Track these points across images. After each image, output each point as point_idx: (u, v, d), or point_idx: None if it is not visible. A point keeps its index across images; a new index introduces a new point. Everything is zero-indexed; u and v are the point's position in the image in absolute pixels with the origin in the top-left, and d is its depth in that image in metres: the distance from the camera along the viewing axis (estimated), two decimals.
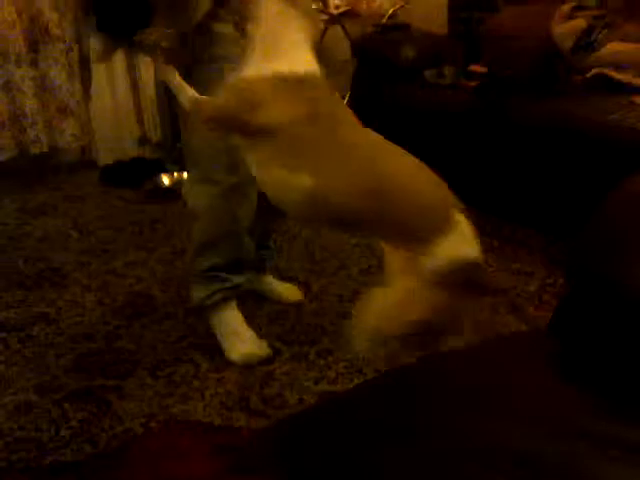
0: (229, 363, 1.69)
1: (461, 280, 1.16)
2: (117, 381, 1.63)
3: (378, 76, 3.01)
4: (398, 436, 0.77)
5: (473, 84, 2.66)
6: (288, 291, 2.01)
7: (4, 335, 1.86)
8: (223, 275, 1.69)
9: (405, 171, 1.24)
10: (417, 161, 1.25)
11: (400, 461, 0.70)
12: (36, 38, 3.18)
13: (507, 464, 0.69)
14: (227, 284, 1.70)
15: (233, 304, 1.74)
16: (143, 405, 1.54)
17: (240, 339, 1.72)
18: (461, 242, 1.18)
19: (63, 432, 1.46)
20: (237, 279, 1.71)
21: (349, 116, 1.27)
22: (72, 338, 1.83)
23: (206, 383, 1.62)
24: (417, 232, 1.16)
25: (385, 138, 1.28)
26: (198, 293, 1.72)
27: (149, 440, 0.86)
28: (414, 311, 1.14)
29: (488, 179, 2.54)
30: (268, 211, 1.87)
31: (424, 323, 1.15)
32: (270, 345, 1.74)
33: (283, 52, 1.23)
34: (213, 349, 1.73)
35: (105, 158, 3.31)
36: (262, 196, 1.83)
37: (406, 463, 0.70)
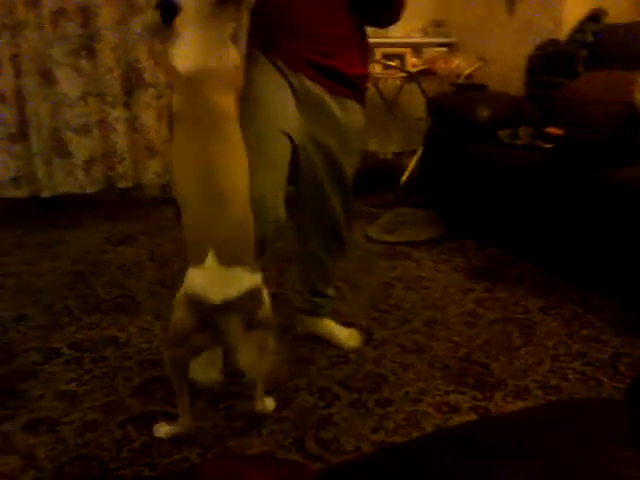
0: (288, 402, 1.70)
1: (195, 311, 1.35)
2: None
3: (452, 134, 3.05)
4: None
5: (549, 146, 2.66)
6: (349, 336, 2.02)
7: (79, 354, 1.96)
8: None
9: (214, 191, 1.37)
10: (244, 194, 1.41)
11: None
12: (131, 83, 3.44)
13: None
14: None
15: None
16: (201, 435, 1.57)
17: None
18: (203, 279, 1.34)
19: (124, 453, 1.51)
20: None
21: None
22: (140, 363, 1.90)
23: (263, 420, 1.63)
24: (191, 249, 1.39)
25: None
26: None
27: (213, 466, 0.87)
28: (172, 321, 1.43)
29: (559, 241, 2.49)
30: (321, 256, 1.95)
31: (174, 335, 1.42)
32: (329, 390, 1.75)
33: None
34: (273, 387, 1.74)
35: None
36: (315, 241, 1.91)
37: None
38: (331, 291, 2.05)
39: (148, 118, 3.49)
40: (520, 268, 2.65)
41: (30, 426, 1.60)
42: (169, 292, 2.41)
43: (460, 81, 3.54)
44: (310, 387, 1.78)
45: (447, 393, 1.76)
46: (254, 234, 1.43)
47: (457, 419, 1.64)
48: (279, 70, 1.67)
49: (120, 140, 3.43)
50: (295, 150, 1.71)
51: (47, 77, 3.29)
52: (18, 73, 3.22)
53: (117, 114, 3.43)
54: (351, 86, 1.75)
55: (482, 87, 3.27)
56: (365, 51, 1.80)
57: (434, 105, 3.24)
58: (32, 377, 1.83)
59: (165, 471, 1.44)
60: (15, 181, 3.31)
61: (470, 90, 3.23)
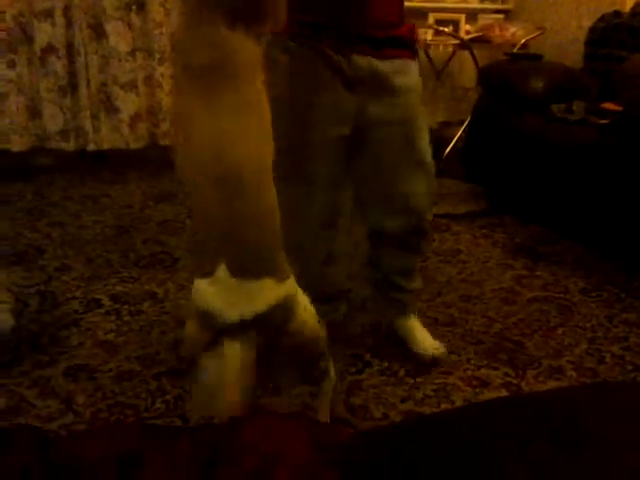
0: None
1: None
2: None
3: (503, 105, 2.95)
4: (510, 464, 0.75)
5: (604, 122, 2.55)
6: (432, 346, 1.77)
7: (118, 306, 2.01)
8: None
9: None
10: None
11: None
12: None
13: None
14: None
15: None
16: None
17: None
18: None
19: (158, 404, 1.55)
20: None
21: None
22: (176, 319, 1.95)
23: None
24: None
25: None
26: None
27: (251, 422, 0.89)
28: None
29: (607, 222, 2.41)
30: (399, 255, 1.72)
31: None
32: (361, 357, 1.76)
33: None
34: None
35: None
36: (392, 239, 1.69)
37: None
38: (416, 283, 1.82)
39: None
40: (563, 247, 2.58)
41: (70, 372, 1.67)
42: None
43: (515, 50, 3.40)
44: (341, 353, 1.79)
45: (479, 368, 1.75)
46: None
47: (487, 394, 1.63)
48: (324, 57, 1.48)
49: (165, 97, 3.45)
50: (355, 138, 1.55)
51: (97, 30, 3.31)
52: (69, 25, 3.25)
53: (163, 71, 3.44)
54: (400, 43, 1.57)
55: (538, 57, 3.14)
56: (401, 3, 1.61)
57: (486, 74, 3.13)
58: (73, 325, 1.89)
59: (196, 424, 1.48)
60: (63, 133, 3.37)
61: (525, 60, 3.10)
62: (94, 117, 3.40)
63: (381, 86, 1.53)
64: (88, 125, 3.38)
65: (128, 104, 3.42)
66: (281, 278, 1.04)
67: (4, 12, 3.15)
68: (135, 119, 3.46)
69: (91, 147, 3.42)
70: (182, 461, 0.79)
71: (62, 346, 1.78)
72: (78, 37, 3.26)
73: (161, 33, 3.39)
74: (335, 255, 1.69)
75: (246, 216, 1.01)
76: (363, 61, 1.50)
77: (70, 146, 3.39)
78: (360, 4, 1.47)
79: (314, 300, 1.62)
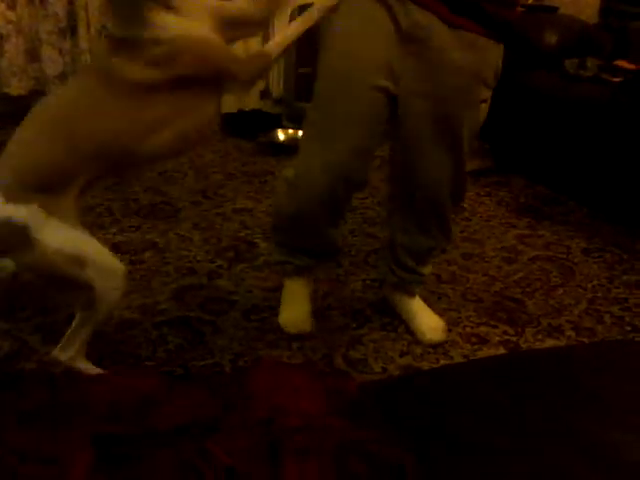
0: (319, 320, 1.72)
1: None
2: (212, 317, 1.72)
3: (513, 59, 2.87)
4: (506, 419, 0.77)
5: (617, 80, 2.49)
6: (432, 328, 1.68)
7: (118, 256, 1.98)
8: (295, 252, 1.64)
9: None
10: None
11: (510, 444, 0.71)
12: None
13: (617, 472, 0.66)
14: (297, 261, 1.66)
15: (301, 280, 1.70)
16: (233, 343, 1.62)
17: (290, 308, 1.70)
18: None
19: (160, 353, 1.57)
20: (306, 261, 1.65)
21: None
22: (177, 269, 1.95)
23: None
24: None
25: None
26: (275, 255, 1.75)
27: (264, 371, 0.91)
28: None
29: (614, 184, 2.38)
30: (416, 237, 1.59)
31: None
32: (361, 312, 1.76)
33: None
34: None
35: (229, 106, 3.42)
36: (411, 218, 1.57)
37: (512, 446, 0.70)
38: (426, 269, 1.71)
39: None
40: (568, 208, 2.56)
41: (71, 320, 1.67)
42: (209, 202, 2.43)
43: (530, 1, 3.29)
44: (342, 308, 1.80)
45: (478, 325, 1.76)
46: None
47: (486, 351, 1.65)
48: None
49: None
50: (395, 102, 1.40)
51: None
52: None
53: None
54: (477, 15, 1.30)
55: (553, 10, 3.04)
56: None
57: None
58: None
59: (198, 374, 1.49)
60: (63, 77, 3.29)
61: (540, 12, 3.00)
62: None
63: (435, 54, 1.33)
64: None
65: None
66: (11, 199, 1.16)
67: None
68: None
69: None
70: (198, 406, 0.81)
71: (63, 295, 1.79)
72: None
73: None
74: (344, 215, 1.66)
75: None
76: (423, 17, 1.30)
77: None
78: None
79: (314, 256, 1.65)
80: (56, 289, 1.40)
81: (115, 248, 2.05)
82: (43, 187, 1.19)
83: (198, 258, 2.02)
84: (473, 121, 1.45)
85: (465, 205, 2.56)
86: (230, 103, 3.43)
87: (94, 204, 2.36)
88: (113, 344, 1.59)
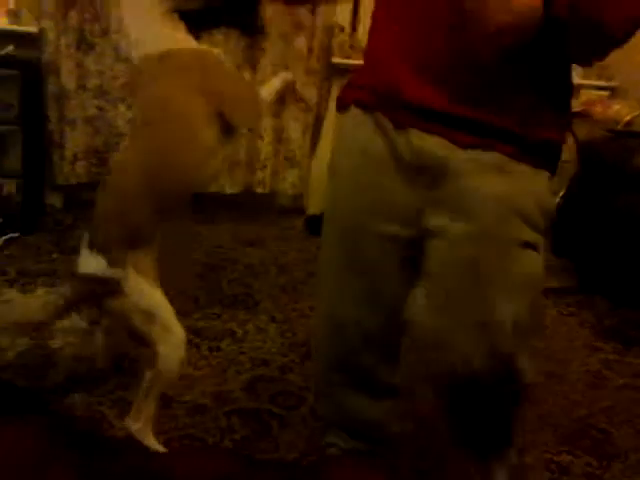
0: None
1: None
2: (282, 410, 1.72)
3: (601, 181, 2.87)
4: None
5: None
6: None
7: (198, 341, 2.08)
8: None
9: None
10: None
11: None
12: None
13: None
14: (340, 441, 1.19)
15: None
16: (300, 440, 1.60)
17: None
18: None
19: (226, 442, 1.58)
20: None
21: None
22: (252, 360, 1.98)
23: None
24: None
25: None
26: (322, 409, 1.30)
27: (339, 466, 0.90)
28: None
29: None
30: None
31: None
32: None
33: None
34: None
35: (313, 208, 3.59)
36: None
37: None
38: None
39: (294, 130, 3.64)
40: None
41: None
42: (288, 297, 2.50)
43: (619, 127, 3.32)
44: None
45: (558, 453, 1.65)
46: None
47: None
48: (380, 129, 1.03)
49: (264, 148, 3.62)
50: (413, 246, 1.04)
51: None
52: None
53: (265, 123, 3.61)
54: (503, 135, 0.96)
55: None
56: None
57: (586, 148, 3.07)
58: None
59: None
60: None
61: (628, 137, 3.02)
62: None
63: (451, 184, 0.98)
64: None
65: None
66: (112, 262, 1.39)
67: None
68: (232, 165, 3.64)
69: None
70: None
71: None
72: None
73: None
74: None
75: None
76: (430, 143, 0.98)
77: None
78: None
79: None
80: (131, 338, 1.51)
81: (196, 333, 2.13)
82: (133, 245, 1.42)
83: (272, 350, 2.06)
84: (514, 273, 0.97)
85: (547, 323, 2.49)
86: (314, 205, 3.60)
87: (182, 289, 2.49)
88: (183, 427, 1.61)
